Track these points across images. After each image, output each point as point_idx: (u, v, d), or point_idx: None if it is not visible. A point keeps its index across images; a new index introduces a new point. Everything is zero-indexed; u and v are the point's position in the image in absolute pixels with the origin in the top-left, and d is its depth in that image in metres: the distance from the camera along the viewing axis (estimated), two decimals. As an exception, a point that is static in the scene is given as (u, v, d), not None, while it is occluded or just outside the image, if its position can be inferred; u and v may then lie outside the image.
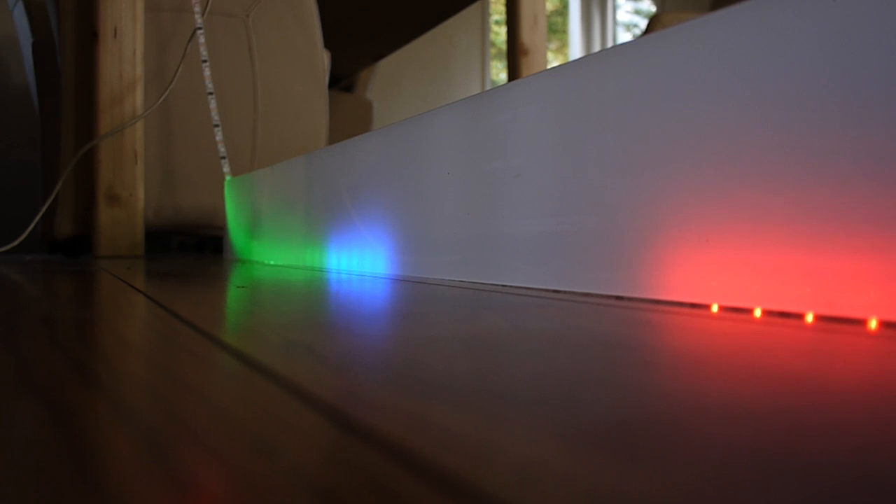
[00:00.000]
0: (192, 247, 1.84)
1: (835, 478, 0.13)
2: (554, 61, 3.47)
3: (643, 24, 3.81)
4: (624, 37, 3.75)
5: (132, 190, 1.36)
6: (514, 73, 1.79)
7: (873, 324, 0.29)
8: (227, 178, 1.32)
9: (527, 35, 1.79)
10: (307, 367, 0.23)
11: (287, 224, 0.99)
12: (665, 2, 3.55)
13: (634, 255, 0.41)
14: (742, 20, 0.36)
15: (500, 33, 3.51)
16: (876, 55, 0.30)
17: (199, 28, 1.36)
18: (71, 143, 1.38)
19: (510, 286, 0.52)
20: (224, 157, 1.34)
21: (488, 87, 3.32)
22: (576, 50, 3.73)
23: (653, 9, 3.75)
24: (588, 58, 0.46)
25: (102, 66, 1.34)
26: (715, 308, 0.36)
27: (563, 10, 3.80)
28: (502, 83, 0.73)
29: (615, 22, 3.76)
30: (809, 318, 0.32)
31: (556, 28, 3.77)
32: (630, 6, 3.86)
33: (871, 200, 0.30)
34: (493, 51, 3.49)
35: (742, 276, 0.35)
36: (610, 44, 3.60)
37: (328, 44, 1.72)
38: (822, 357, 0.24)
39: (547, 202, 0.49)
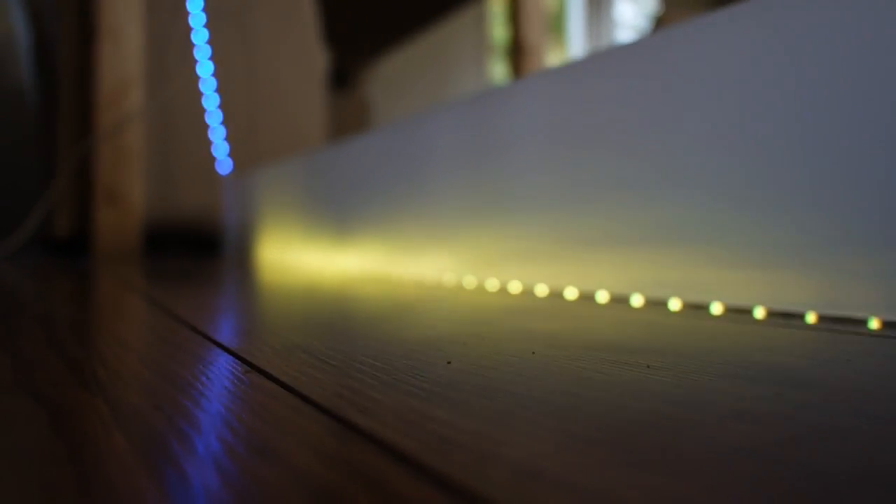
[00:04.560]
0: (191, 246, 1.84)
1: (835, 478, 0.13)
2: (554, 61, 3.47)
3: (643, 24, 3.81)
4: (623, 36, 3.75)
5: (131, 190, 1.36)
6: (514, 73, 1.80)
7: (873, 324, 0.29)
8: (226, 177, 1.32)
9: (527, 34, 1.79)
10: (307, 367, 0.23)
11: (286, 223, 0.99)
12: (665, 2, 3.55)
13: (634, 255, 0.41)
14: (742, 20, 0.35)
15: (500, 33, 3.51)
16: (877, 55, 0.30)
17: (198, 28, 1.36)
18: (70, 143, 1.37)
19: (510, 286, 0.52)
20: (223, 157, 1.34)
21: (488, 86, 3.31)
22: (576, 49, 3.73)
23: (653, 9, 3.75)
24: (588, 58, 0.46)
25: (101, 65, 1.34)
26: (715, 308, 0.36)
27: (562, 10, 3.80)
28: (502, 83, 0.73)
29: (615, 22, 3.76)
30: (810, 318, 0.32)
31: (556, 28, 3.77)
32: (630, 6, 3.86)
33: (872, 198, 0.30)
34: (493, 50, 3.49)
35: (742, 275, 0.35)
36: (609, 43, 3.59)
37: (328, 43, 1.72)
38: (822, 357, 0.24)
39: (546, 201, 0.49)
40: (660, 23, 1.52)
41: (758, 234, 0.34)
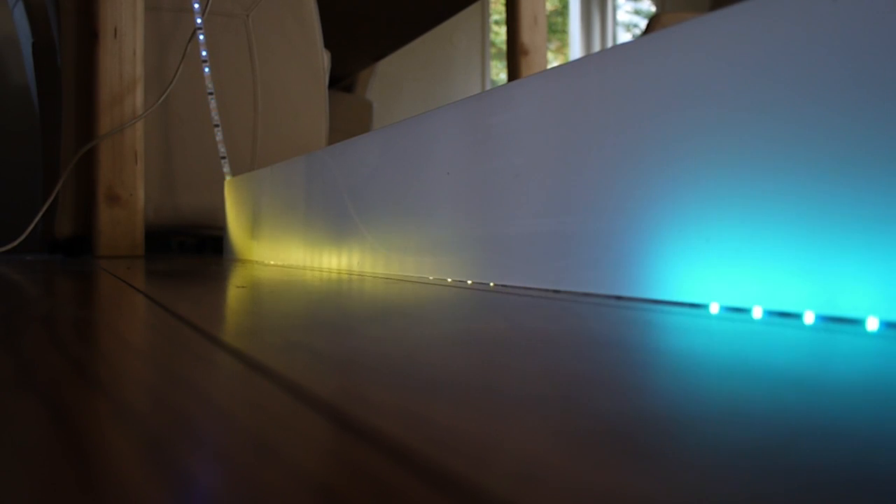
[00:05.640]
0: (192, 247, 1.84)
1: (835, 478, 0.13)
2: (554, 61, 3.47)
3: (643, 24, 3.81)
4: (624, 37, 3.75)
5: (132, 190, 1.36)
6: (514, 73, 1.79)
7: (873, 324, 0.29)
8: (227, 178, 1.32)
9: (527, 35, 1.78)
10: (307, 367, 0.23)
11: (287, 224, 0.99)
12: (665, 2, 3.55)
13: (634, 254, 0.41)
14: (742, 20, 0.36)
15: (500, 33, 3.50)
16: (876, 55, 0.30)
17: (199, 28, 1.36)
18: (71, 143, 1.38)
19: (510, 286, 0.52)
20: (224, 157, 1.34)
21: (488, 87, 3.31)
22: (576, 50, 3.73)
23: (653, 9, 3.75)
24: (588, 58, 0.46)
25: (102, 66, 1.34)
26: (715, 308, 0.36)
27: (563, 10, 3.80)
28: (502, 83, 0.73)
29: (615, 22, 3.76)
30: (809, 318, 0.32)
31: (556, 28, 3.77)
32: (630, 6, 3.85)
33: (871, 199, 0.30)
34: (493, 51, 3.49)
35: (742, 275, 0.35)
36: (610, 44, 3.59)
37: (328, 44, 1.72)
38: (822, 357, 0.24)
39: (546, 202, 0.49)
40: (656, 23, 1.52)
41: (759, 233, 0.34)
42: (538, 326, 0.32)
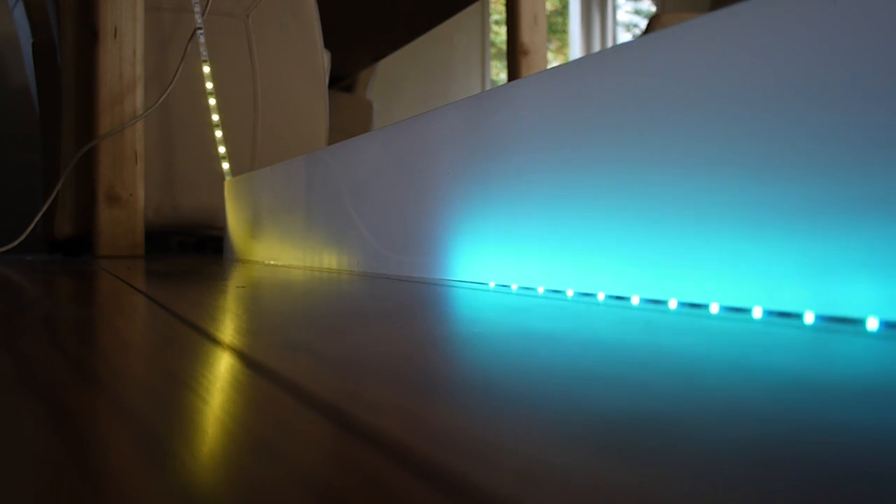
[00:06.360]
0: (192, 247, 1.84)
1: (835, 478, 0.13)
2: (554, 61, 3.47)
3: (643, 24, 3.81)
4: (624, 37, 3.75)
5: (132, 190, 1.36)
6: (514, 73, 1.79)
7: (873, 324, 0.29)
8: (227, 178, 1.32)
9: (527, 35, 1.78)
10: (307, 366, 0.23)
11: (287, 224, 0.99)
12: (665, 2, 3.55)
13: (635, 253, 0.41)
14: (742, 20, 0.36)
15: (500, 33, 3.51)
16: (875, 56, 0.30)
17: (199, 28, 1.36)
18: (71, 143, 1.38)
19: (511, 286, 0.52)
20: (224, 157, 1.34)
21: (488, 87, 3.32)
22: (576, 50, 3.73)
23: (653, 9, 3.75)
24: (588, 58, 0.46)
25: (102, 65, 1.34)
26: (715, 308, 0.36)
27: (563, 10, 3.80)
28: (502, 83, 0.73)
29: (615, 22, 3.76)
30: (809, 318, 0.32)
31: (556, 28, 3.77)
32: (630, 6, 3.85)
33: (870, 198, 0.30)
34: (493, 51, 3.49)
35: (742, 274, 0.35)
36: (610, 44, 3.59)
37: (328, 44, 1.72)
38: (822, 357, 0.24)
39: (547, 201, 0.49)
40: (656, 23, 1.53)
41: (756, 234, 0.34)
42: (543, 326, 0.32)
